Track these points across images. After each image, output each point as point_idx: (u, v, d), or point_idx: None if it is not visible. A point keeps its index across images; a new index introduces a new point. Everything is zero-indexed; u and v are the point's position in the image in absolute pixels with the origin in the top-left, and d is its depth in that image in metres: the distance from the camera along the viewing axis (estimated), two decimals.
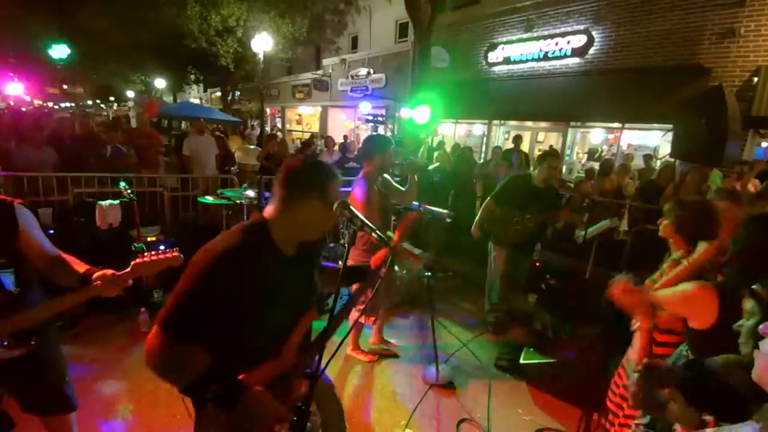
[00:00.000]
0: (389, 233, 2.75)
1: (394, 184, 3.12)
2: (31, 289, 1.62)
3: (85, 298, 1.54)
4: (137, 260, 1.56)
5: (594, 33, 8.52)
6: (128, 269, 1.55)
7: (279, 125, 22.38)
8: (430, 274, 3.15)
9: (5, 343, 1.48)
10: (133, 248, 3.55)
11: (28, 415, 1.69)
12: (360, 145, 12.69)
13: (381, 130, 10.55)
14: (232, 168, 7.48)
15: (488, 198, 3.79)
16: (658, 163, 6.84)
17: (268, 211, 1.31)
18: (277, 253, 1.28)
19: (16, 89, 15.97)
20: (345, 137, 12.31)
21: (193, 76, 19.07)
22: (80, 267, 1.60)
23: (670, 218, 1.84)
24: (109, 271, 1.54)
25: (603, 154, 9.59)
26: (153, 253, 1.58)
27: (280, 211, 1.28)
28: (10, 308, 1.49)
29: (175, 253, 1.58)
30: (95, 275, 1.54)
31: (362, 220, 1.30)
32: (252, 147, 8.10)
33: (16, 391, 1.67)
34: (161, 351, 1.11)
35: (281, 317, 1.28)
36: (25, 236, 1.53)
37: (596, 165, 9.05)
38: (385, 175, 3.02)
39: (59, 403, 1.76)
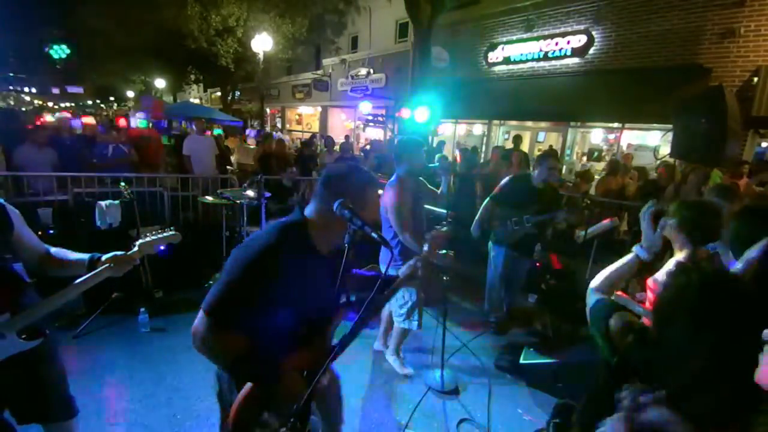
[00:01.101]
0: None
1: (429, 186, 3.07)
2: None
3: (98, 280, 1.62)
4: (141, 241, 1.68)
5: (594, 33, 8.52)
6: (136, 249, 1.67)
7: (279, 125, 22.38)
8: (446, 278, 3.03)
9: (24, 335, 1.53)
10: (136, 243, 3.55)
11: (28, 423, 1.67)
12: (358, 144, 12.71)
13: (380, 132, 10.57)
14: (228, 167, 7.49)
15: (488, 198, 3.79)
16: (657, 162, 6.84)
17: (309, 210, 1.38)
18: (313, 251, 1.36)
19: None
20: (346, 137, 12.32)
21: (193, 76, 19.07)
22: (74, 255, 1.68)
23: (676, 219, 1.83)
24: (119, 254, 1.65)
25: (603, 154, 9.60)
26: (154, 232, 1.71)
27: (320, 213, 1.36)
28: (28, 298, 1.57)
29: (174, 232, 1.71)
30: (104, 257, 1.63)
31: (363, 220, 1.30)
32: (252, 147, 8.11)
33: (16, 400, 1.64)
34: (206, 335, 1.22)
35: (314, 312, 1.36)
36: (17, 233, 1.58)
37: (596, 165, 9.09)
38: (420, 178, 2.98)
39: (61, 409, 1.75)
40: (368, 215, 1.34)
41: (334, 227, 1.34)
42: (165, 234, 1.70)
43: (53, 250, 1.68)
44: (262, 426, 1.31)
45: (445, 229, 1.82)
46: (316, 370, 1.27)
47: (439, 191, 3.10)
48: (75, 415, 1.79)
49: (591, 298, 1.42)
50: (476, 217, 3.79)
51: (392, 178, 2.87)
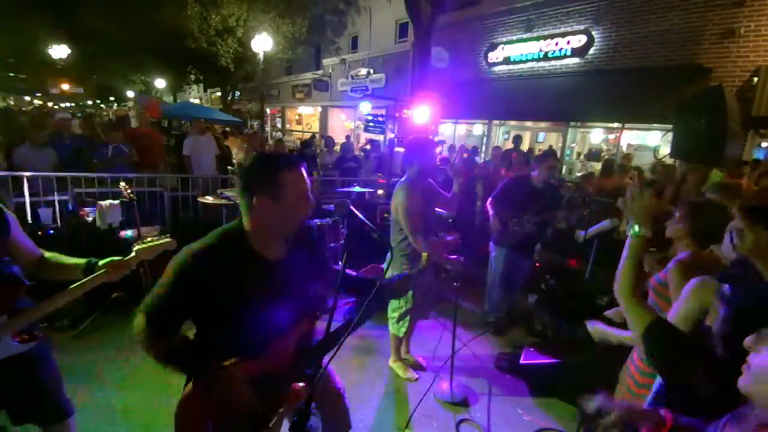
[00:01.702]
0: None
1: (438, 189, 2.99)
2: None
3: (93, 285, 1.62)
4: (138, 246, 1.69)
5: (594, 33, 8.52)
6: (133, 254, 1.67)
7: (279, 125, 22.38)
8: (457, 284, 2.96)
9: (18, 339, 1.54)
10: (133, 248, 3.55)
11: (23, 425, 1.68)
12: (360, 144, 12.70)
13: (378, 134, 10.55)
14: (228, 167, 7.49)
15: (489, 198, 3.78)
16: (650, 164, 6.85)
17: (244, 214, 1.28)
18: (254, 256, 1.26)
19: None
20: (347, 137, 12.32)
21: (193, 76, 19.08)
22: (70, 260, 1.68)
23: (684, 221, 1.83)
24: (116, 259, 1.65)
25: (603, 154, 9.60)
26: (150, 239, 1.73)
27: (245, 215, 1.26)
28: (23, 302, 1.57)
29: (170, 239, 1.73)
30: (101, 263, 1.63)
31: (362, 220, 1.29)
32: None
33: (10, 401, 1.65)
34: (142, 333, 1.24)
35: (264, 319, 1.26)
36: (13, 237, 1.59)
37: (596, 165, 9.08)
38: (430, 180, 2.92)
39: (55, 411, 1.75)
40: (291, 205, 1.22)
41: (263, 228, 1.25)
42: (163, 240, 1.72)
43: (47, 254, 1.68)
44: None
45: (450, 238, 1.78)
46: (282, 377, 1.24)
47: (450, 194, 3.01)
48: (69, 416, 1.79)
49: (632, 314, 1.27)
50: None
51: (403, 178, 2.83)
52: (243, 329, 1.25)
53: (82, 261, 1.66)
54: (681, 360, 1.16)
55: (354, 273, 1.67)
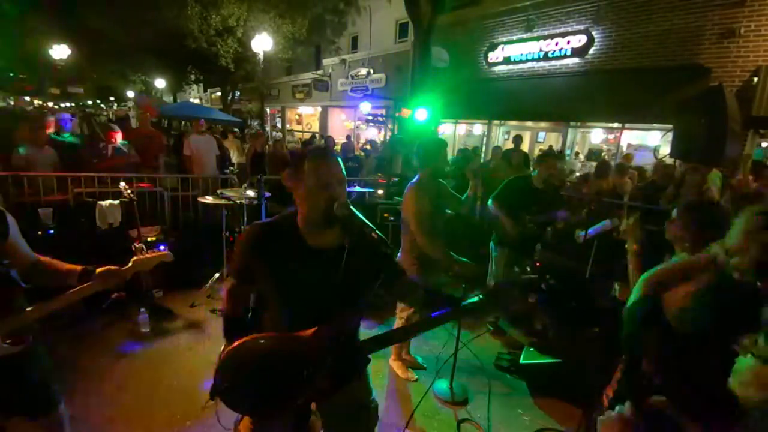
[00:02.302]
0: (458, 257, 2.60)
1: (451, 191, 2.95)
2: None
3: (88, 293, 1.63)
4: (136, 258, 1.77)
5: (594, 33, 8.52)
6: (129, 265, 1.74)
7: (279, 125, 22.38)
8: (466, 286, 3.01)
9: (9, 341, 1.54)
10: (133, 248, 3.55)
11: (15, 420, 1.70)
12: (359, 144, 12.71)
13: (379, 135, 10.54)
14: (231, 168, 7.49)
15: (490, 199, 3.77)
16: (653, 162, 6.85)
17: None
18: (300, 241, 1.36)
19: None
20: (348, 137, 12.33)
21: (193, 76, 19.08)
22: (65, 266, 1.69)
23: (686, 220, 1.83)
24: (113, 268, 1.70)
25: (603, 154, 9.61)
26: (148, 252, 1.83)
27: (296, 202, 1.39)
28: (20, 303, 1.58)
29: (166, 251, 1.88)
30: (98, 271, 1.66)
31: (362, 220, 1.28)
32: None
33: (3, 395, 1.65)
34: (226, 286, 1.49)
35: (307, 302, 1.34)
36: (12, 240, 1.59)
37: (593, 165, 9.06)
38: (441, 181, 2.89)
39: (45, 403, 1.77)
40: (314, 193, 1.30)
41: (302, 214, 1.36)
42: (159, 253, 1.84)
43: (43, 259, 1.68)
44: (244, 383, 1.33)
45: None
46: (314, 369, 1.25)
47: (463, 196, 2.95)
48: (57, 405, 1.80)
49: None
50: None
51: (413, 180, 2.81)
52: (286, 305, 1.38)
53: (78, 267, 1.67)
54: (643, 338, 1.20)
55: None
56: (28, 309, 1.57)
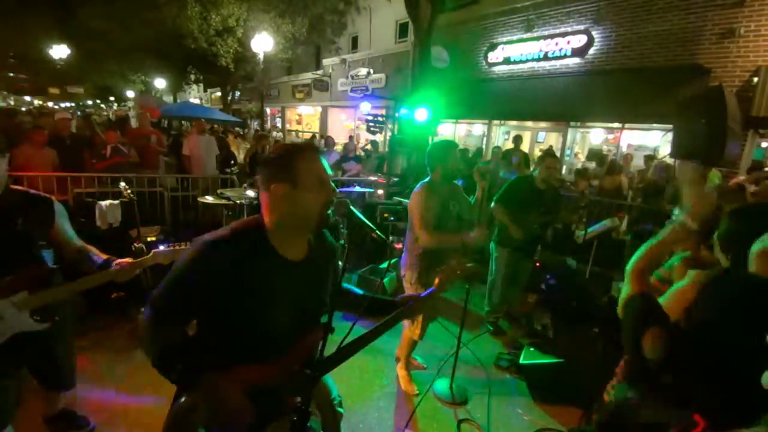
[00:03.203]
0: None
1: (464, 195, 2.88)
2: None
3: (104, 281, 1.81)
4: (157, 250, 1.89)
5: (594, 33, 8.52)
6: (150, 255, 1.87)
7: (279, 125, 22.38)
8: (468, 286, 2.91)
9: (37, 317, 1.73)
10: (133, 248, 3.55)
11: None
12: (360, 144, 12.70)
13: (380, 135, 10.53)
14: (233, 168, 7.50)
15: (493, 200, 3.76)
16: (654, 162, 6.86)
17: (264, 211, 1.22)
18: (273, 255, 1.19)
19: None
20: (350, 138, 12.33)
21: (193, 76, 19.07)
22: (96, 255, 1.89)
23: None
24: (129, 260, 1.85)
25: (603, 153, 9.61)
26: (171, 244, 1.99)
27: (266, 210, 1.19)
28: (47, 282, 1.77)
29: (186, 245, 2.01)
30: (116, 262, 1.83)
31: (362, 220, 1.26)
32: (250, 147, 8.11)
33: (31, 365, 1.93)
34: (144, 324, 1.17)
35: (276, 323, 1.20)
36: (57, 227, 1.84)
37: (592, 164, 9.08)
38: (457, 184, 2.83)
39: (58, 381, 2.07)
40: (310, 191, 1.15)
41: (284, 222, 1.18)
42: (183, 247, 1.97)
43: (82, 246, 1.90)
44: None
45: (470, 264, 1.74)
46: (282, 387, 1.18)
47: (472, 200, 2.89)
48: (68, 389, 2.13)
49: (624, 288, 1.32)
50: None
51: (424, 180, 2.77)
52: (250, 331, 1.17)
53: (101, 259, 1.86)
54: (642, 332, 1.17)
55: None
56: (54, 288, 1.76)
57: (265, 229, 1.20)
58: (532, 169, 5.76)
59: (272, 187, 1.14)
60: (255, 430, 1.17)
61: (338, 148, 9.22)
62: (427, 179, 2.76)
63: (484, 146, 11.32)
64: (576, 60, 8.85)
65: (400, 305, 1.53)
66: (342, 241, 4.42)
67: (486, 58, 10.59)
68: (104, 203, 3.99)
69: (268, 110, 21.56)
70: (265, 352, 1.19)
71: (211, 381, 1.12)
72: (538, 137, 11.01)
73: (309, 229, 1.24)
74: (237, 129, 12.87)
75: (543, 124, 10.58)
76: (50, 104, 24.05)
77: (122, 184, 3.56)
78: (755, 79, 6.40)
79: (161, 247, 1.93)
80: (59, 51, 16.52)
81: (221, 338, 1.20)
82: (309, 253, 1.26)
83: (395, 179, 6.99)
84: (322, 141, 10.46)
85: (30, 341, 1.73)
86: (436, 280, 1.61)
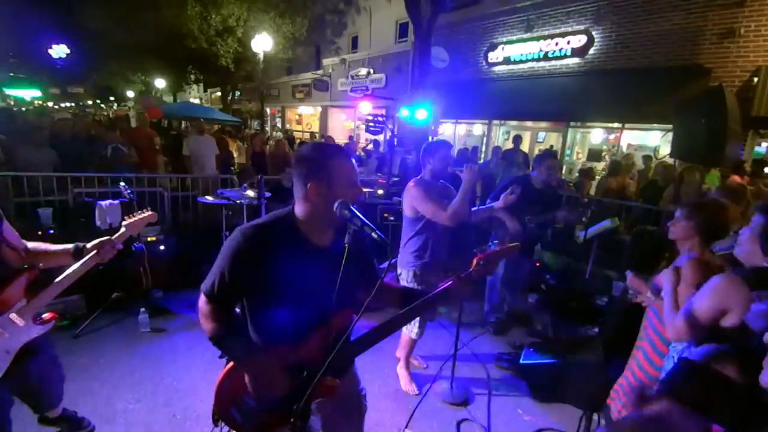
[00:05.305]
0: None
1: (453, 192, 2.87)
2: None
3: (88, 267, 1.72)
4: (126, 221, 1.86)
5: (594, 33, 8.52)
6: (122, 230, 1.83)
7: (279, 125, 22.39)
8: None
9: (39, 319, 1.71)
10: (133, 248, 3.55)
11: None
12: (361, 144, 12.70)
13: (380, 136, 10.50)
14: (233, 168, 7.50)
15: (489, 199, 3.77)
16: (654, 162, 6.87)
17: (295, 200, 1.37)
18: (303, 241, 1.33)
19: None
20: (350, 138, 12.33)
21: (193, 76, 19.06)
22: (53, 246, 1.78)
23: (693, 220, 1.83)
24: (104, 238, 1.76)
25: (603, 154, 9.61)
26: (134, 214, 1.91)
27: (298, 200, 1.34)
28: (39, 285, 1.70)
29: (150, 212, 1.93)
30: (90, 245, 1.74)
31: (362, 220, 1.27)
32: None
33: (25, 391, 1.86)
34: (201, 305, 1.35)
35: (304, 306, 1.33)
36: (5, 229, 1.67)
37: (596, 165, 9.09)
38: (447, 184, 2.86)
39: (56, 400, 2.02)
40: (342, 191, 1.27)
41: (314, 213, 1.30)
42: (145, 214, 1.89)
43: (30, 245, 1.77)
44: (240, 408, 1.37)
45: (513, 244, 1.76)
46: (315, 369, 1.23)
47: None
48: (51, 409, 2.07)
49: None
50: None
51: (417, 179, 2.81)
52: (285, 311, 1.32)
53: (70, 246, 1.76)
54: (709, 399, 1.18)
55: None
56: (45, 289, 1.68)
57: (296, 218, 1.35)
58: (531, 169, 5.75)
59: (309, 185, 1.27)
60: (288, 401, 1.27)
61: None
62: (418, 177, 2.81)
63: (484, 146, 11.32)
64: (576, 60, 8.85)
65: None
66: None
67: (486, 58, 10.59)
68: (104, 203, 3.98)
69: (268, 110, 21.56)
70: (297, 332, 1.34)
71: (258, 358, 1.32)
72: (538, 137, 11.01)
73: (335, 222, 1.33)
74: (229, 129, 12.80)
75: (543, 124, 10.58)
76: (50, 104, 24.04)
77: (122, 184, 3.56)
78: (755, 79, 6.40)
79: (128, 220, 1.90)
80: (59, 51, 16.52)
81: (259, 318, 1.38)
82: (334, 240, 1.38)
83: (395, 179, 6.98)
84: (322, 141, 10.45)
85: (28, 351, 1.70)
86: (474, 262, 1.60)
